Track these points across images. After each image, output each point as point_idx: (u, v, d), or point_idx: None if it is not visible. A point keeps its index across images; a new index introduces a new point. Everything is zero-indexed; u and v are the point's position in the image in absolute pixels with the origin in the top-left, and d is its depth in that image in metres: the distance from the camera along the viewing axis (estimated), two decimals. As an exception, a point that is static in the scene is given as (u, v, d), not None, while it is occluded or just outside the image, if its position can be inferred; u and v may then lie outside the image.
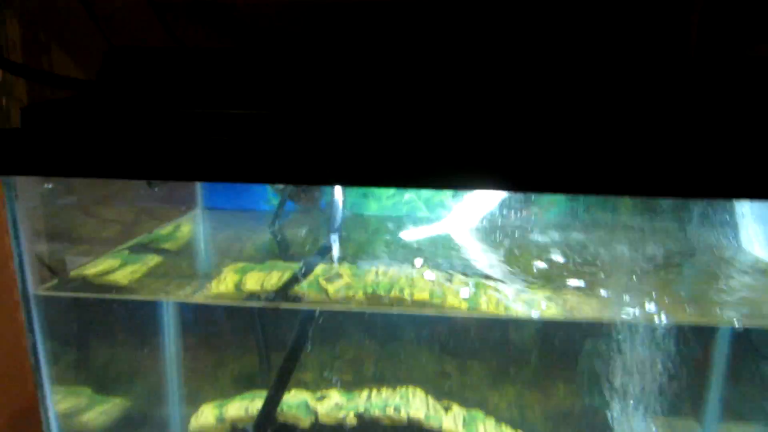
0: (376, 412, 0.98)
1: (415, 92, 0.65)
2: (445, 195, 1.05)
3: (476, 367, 1.10)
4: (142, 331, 1.05)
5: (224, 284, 0.91)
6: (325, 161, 0.60)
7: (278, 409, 0.99)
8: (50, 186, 0.84)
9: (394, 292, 0.89)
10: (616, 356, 0.93)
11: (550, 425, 1.09)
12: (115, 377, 1.03)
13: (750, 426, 1.06)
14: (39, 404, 0.78)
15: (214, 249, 1.11)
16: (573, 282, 0.87)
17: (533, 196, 1.00)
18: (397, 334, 1.09)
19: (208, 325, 1.06)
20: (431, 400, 1.02)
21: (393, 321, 1.06)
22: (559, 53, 0.72)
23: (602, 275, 0.87)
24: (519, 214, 1.01)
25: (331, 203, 0.97)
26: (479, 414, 1.03)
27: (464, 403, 1.04)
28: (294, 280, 0.91)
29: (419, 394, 1.03)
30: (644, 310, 0.83)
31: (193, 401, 1.07)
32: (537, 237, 0.99)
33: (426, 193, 1.06)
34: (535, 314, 0.86)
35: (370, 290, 0.88)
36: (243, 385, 1.09)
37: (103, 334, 0.98)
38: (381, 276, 0.91)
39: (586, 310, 0.82)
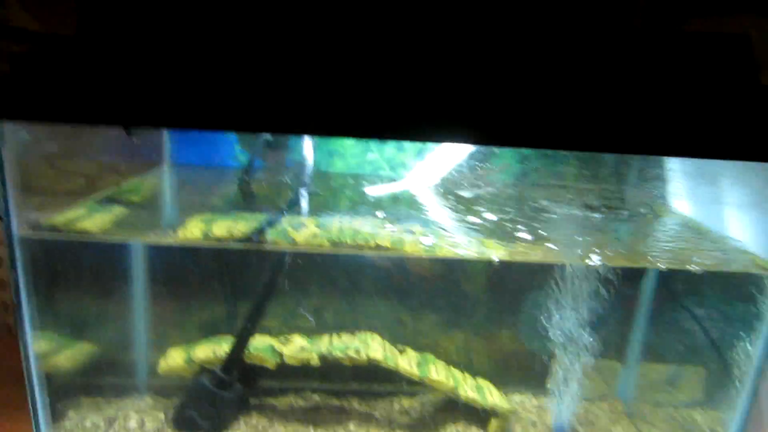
0: (338, 354, 1.05)
1: (380, 47, 0.70)
2: (407, 155, 1.12)
3: (429, 316, 1.19)
4: (113, 277, 1.07)
5: (191, 232, 0.93)
6: (295, 109, 0.64)
7: (245, 351, 1.05)
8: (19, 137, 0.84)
9: (357, 241, 0.94)
10: (554, 300, 1.04)
11: (491, 366, 1.20)
12: (86, 321, 1.05)
13: (665, 366, 1.21)
14: (19, 342, 0.81)
15: (181, 201, 1.12)
16: (520, 232, 0.95)
17: (487, 161, 1.09)
18: (357, 284, 1.16)
19: (176, 271, 1.09)
20: (388, 345, 1.10)
21: (354, 270, 1.13)
22: (516, 18, 0.78)
23: (546, 226, 0.96)
24: (474, 174, 1.09)
25: (301, 160, 1.02)
26: (431, 356, 1.12)
27: (417, 348, 1.13)
28: (262, 228, 0.94)
29: (377, 338, 1.11)
30: (581, 256, 0.93)
31: (161, 346, 1.11)
32: (489, 195, 1.08)
33: (389, 152, 1.12)
34: (482, 256, 0.93)
35: (335, 238, 0.93)
36: (209, 329, 1.13)
37: (76, 280, 1.00)
38: (345, 227, 0.96)
39: (531, 256, 0.91)
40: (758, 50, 0.75)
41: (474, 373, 1.15)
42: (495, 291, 1.18)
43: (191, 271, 1.10)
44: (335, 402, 1.17)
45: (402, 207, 1.05)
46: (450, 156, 1.04)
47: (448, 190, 1.07)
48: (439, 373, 1.08)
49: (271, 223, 0.97)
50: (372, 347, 1.07)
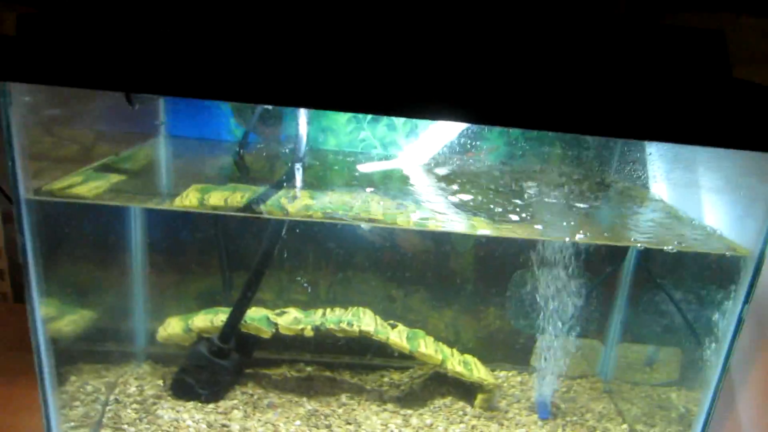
0: (331, 326, 1.09)
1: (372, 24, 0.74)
2: (398, 135, 1.16)
3: (419, 294, 1.24)
4: (113, 245, 1.11)
5: (188, 200, 0.94)
6: (294, 82, 0.67)
7: (242, 321, 1.09)
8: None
9: (349, 213, 0.97)
10: (537, 280, 1.08)
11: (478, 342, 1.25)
12: (87, 288, 1.09)
13: (644, 347, 1.26)
14: (26, 304, 0.85)
15: (177, 171, 1.14)
16: (506, 210, 1.00)
17: (476, 141, 1.13)
18: (350, 260, 1.20)
19: (173, 240, 1.13)
20: (379, 319, 1.15)
21: (347, 247, 1.17)
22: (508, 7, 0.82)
23: (532, 205, 1.01)
24: (462, 156, 1.14)
25: (295, 135, 1.05)
26: (421, 332, 1.17)
27: (407, 323, 1.17)
28: (257, 199, 0.96)
29: (369, 313, 1.15)
30: (565, 234, 0.97)
31: (159, 315, 1.15)
32: (478, 175, 1.12)
33: (381, 132, 1.16)
34: (470, 231, 0.96)
35: (328, 210, 0.96)
36: (206, 299, 1.17)
37: (77, 247, 1.04)
38: (337, 200, 0.99)
39: (518, 232, 0.95)
40: (731, 45, 0.80)
41: (461, 350, 1.20)
42: (481, 271, 1.22)
43: (188, 241, 1.14)
44: (327, 374, 1.21)
45: (393, 184, 1.09)
46: (440, 137, 1.08)
47: (436, 169, 1.11)
48: (428, 347, 1.12)
49: (267, 195, 0.99)
50: (364, 321, 1.11)
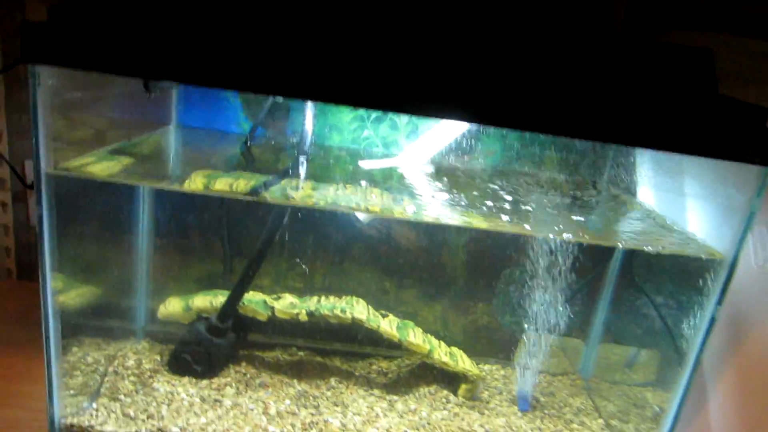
0: (325, 312, 1.14)
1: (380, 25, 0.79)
2: (400, 134, 1.21)
3: (411, 288, 1.29)
4: (122, 224, 1.16)
5: (194, 184, 0.98)
6: (303, 76, 0.72)
7: (239, 303, 1.13)
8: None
9: (351, 204, 1.02)
10: (523, 279, 1.13)
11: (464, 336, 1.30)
12: (92, 264, 1.13)
13: (623, 348, 1.31)
14: (39, 273, 0.90)
15: (185, 158, 1.19)
16: (500, 210, 1.05)
17: (474, 144, 1.18)
18: (347, 252, 1.25)
19: (179, 221, 1.18)
20: (371, 309, 1.19)
21: (343, 236, 1.22)
22: (511, 21, 0.88)
23: (526, 210, 1.06)
24: (461, 158, 1.19)
25: (302, 130, 1.10)
26: (410, 323, 1.22)
27: (399, 315, 1.22)
28: (262, 186, 1.01)
29: (362, 302, 1.20)
30: (554, 236, 1.03)
31: (161, 294, 1.20)
32: (475, 176, 1.17)
33: (383, 131, 1.21)
34: (465, 225, 1.02)
35: (330, 200, 1.01)
36: (206, 279, 1.22)
37: (87, 224, 1.08)
38: (339, 192, 1.04)
39: (507, 227, 1.00)
40: (719, 63, 0.86)
41: (449, 343, 1.24)
42: (471, 269, 1.28)
43: (193, 224, 1.19)
44: (318, 359, 1.26)
45: (392, 180, 1.14)
46: (440, 139, 1.13)
47: (435, 170, 1.16)
48: (417, 337, 1.17)
49: (271, 183, 1.04)
50: (357, 309, 1.16)
